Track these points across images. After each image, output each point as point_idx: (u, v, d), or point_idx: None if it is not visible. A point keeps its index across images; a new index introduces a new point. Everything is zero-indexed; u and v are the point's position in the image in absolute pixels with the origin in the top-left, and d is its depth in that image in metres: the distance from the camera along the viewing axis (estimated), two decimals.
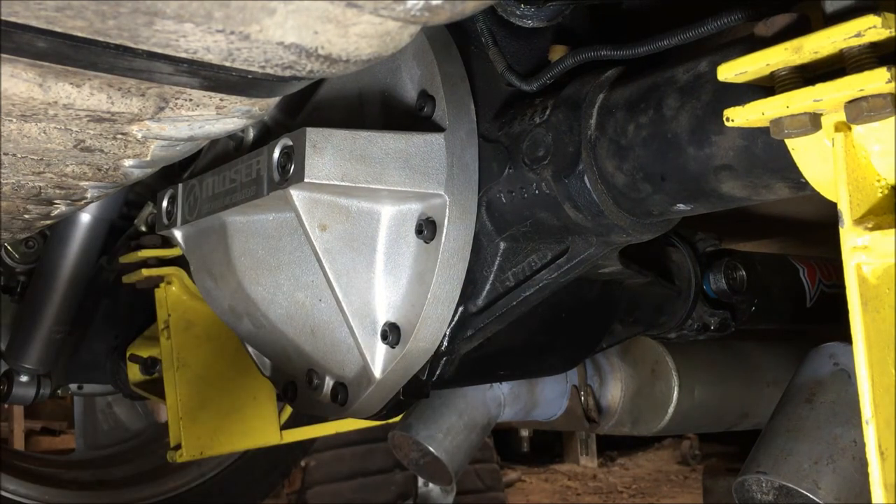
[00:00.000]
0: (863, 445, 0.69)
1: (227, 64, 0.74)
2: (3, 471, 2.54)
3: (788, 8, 0.80)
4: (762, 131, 0.81)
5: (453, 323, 1.15)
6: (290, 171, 1.05)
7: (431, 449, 1.61)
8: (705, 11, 0.93)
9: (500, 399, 1.67)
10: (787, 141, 0.80)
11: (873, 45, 0.69)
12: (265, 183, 1.10)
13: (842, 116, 0.72)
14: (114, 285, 2.24)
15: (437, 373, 1.20)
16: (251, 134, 1.37)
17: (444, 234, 1.08)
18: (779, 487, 1.16)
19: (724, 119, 0.80)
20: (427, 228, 1.09)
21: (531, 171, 1.07)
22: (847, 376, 1.22)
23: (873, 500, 0.69)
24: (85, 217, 2.08)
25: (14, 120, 0.88)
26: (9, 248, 2.33)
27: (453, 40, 1.15)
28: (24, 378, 2.32)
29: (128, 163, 1.05)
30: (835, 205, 0.74)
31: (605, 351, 1.62)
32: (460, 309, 1.15)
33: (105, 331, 2.40)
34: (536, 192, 1.07)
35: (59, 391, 2.47)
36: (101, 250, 2.18)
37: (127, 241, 2.09)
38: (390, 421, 1.38)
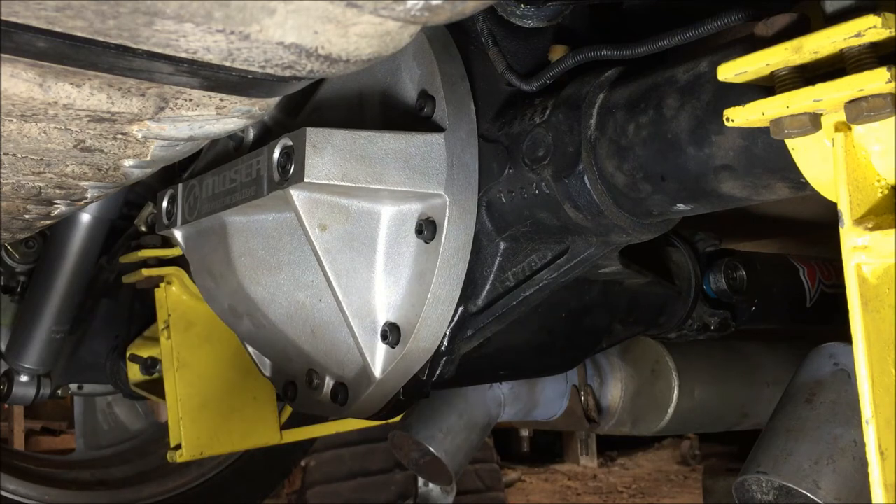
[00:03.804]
0: (863, 445, 0.69)
1: (228, 64, 0.74)
2: (3, 471, 2.54)
3: (788, 8, 0.80)
4: (762, 131, 0.81)
5: (453, 323, 1.15)
6: (290, 171, 1.05)
7: (431, 449, 1.61)
8: (705, 11, 0.93)
9: (501, 399, 1.67)
10: (787, 141, 0.80)
11: (873, 45, 0.69)
12: (265, 183, 1.10)
13: (842, 116, 0.72)
14: (114, 285, 2.24)
15: (438, 373, 1.20)
16: (251, 134, 1.37)
17: (444, 234, 1.08)
18: (779, 487, 1.16)
19: (724, 119, 0.80)
20: (427, 228, 1.10)
21: (531, 171, 1.07)
22: (847, 376, 1.22)
23: (873, 500, 0.69)
24: (85, 217, 2.08)
25: (14, 120, 0.88)
26: (9, 247, 2.33)
27: (453, 40, 1.15)
28: (24, 378, 2.32)
29: (128, 163, 1.06)
30: (835, 205, 0.74)
31: (605, 351, 1.62)
32: (460, 309, 1.15)
33: (105, 331, 2.40)
34: (536, 192, 1.07)
35: (60, 391, 2.47)
36: (101, 250, 2.18)
37: (127, 241, 2.09)
38: (390, 421, 1.38)
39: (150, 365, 2.23)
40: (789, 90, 0.74)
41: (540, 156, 1.06)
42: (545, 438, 6.41)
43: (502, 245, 1.16)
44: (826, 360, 1.26)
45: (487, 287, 1.17)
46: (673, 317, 1.52)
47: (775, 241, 2.21)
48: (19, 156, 1.00)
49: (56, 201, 1.23)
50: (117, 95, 0.83)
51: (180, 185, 1.36)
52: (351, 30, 0.68)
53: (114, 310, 2.38)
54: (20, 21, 0.65)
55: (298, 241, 1.21)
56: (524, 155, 1.08)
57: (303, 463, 3.79)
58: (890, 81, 0.66)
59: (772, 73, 0.76)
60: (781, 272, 1.71)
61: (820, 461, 1.14)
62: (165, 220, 1.38)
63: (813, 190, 0.84)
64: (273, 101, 0.91)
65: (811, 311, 1.73)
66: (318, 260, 1.12)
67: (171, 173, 1.55)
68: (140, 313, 2.33)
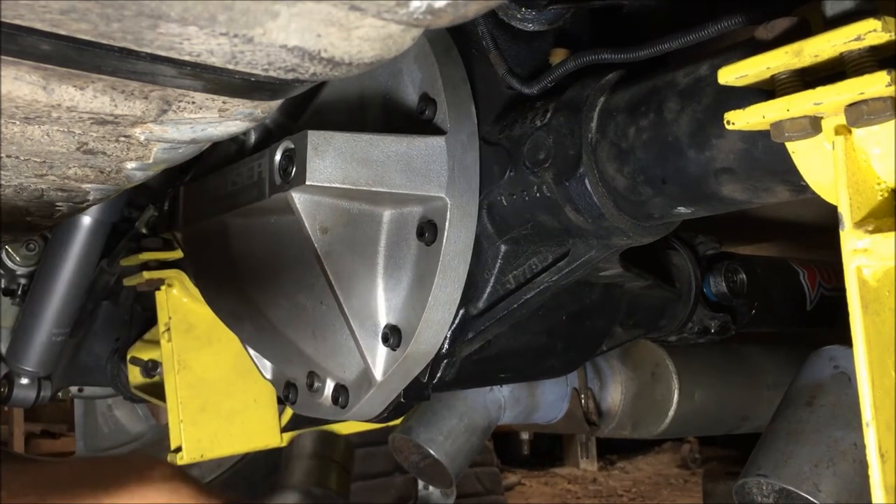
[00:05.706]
0: (863, 448, 0.70)
1: (231, 67, 0.75)
2: None
3: (789, 11, 0.80)
4: (762, 134, 0.82)
5: (454, 325, 1.16)
6: (291, 174, 1.05)
7: (432, 451, 1.61)
8: (706, 15, 0.93)
9: (501, 402, 1.68)
10: (787, 144, 0.80)
11: (873, 49, 0.69)
12: (266, 185, 1.10)
13: (842, 120, 0.72)
14: (115, 288, 2.24)
15: (438, 375, 1.20)
16: (253, 136, 1.37)
17: (444, 237, 1.08)
18: (779, 490, 1.16)
19: (725, 122, 0.80)
20: (428, 231, 1.10)
21: (532, 173, 1.07)
22: (847, 379, 1.22)
23: (873, 503, 0.69)
24: (86, 220, 2.08)
25: (17, 122, 0.88)
26: (10, 250, 2.33)
27: (454, 43, 1.15)
28: (24, 381, 2.32)
29: (130, 165, 1.06)
30: (835, 208, 0.74)
31: (605, 354, 1.63)
32: (461, 311, 1.15)
33: (106, 333, 2.40)
34: (537, 194, 1.07)
35: (60, 394, 2.47)
36: (101, 253, 2.18)
37: (128, 244, 2.09)
38: (391, 424, 1.38)
39: (151, 367, 2.23)
40: (790, 93, 0.74)
41: (541, 159, 1.06)
42: (545, 442, 6.41)
43: (503, 248, 1.16)
44: (826, 362, 1.26)
45: (488, 290, 1.17)
46: (673, 320, 1.53)
47: (775, 244, 2.21)
48: (22, 158, 1.00)
49: (58, 203, 1.23)
50: (120, 98, 0.84)
51: (182, 188, 1.36)
52: (354, 33, 0.69)
53: (114, 312, 2.38)
54: (24, 24, 0.65)
55: (299, 244, 1.21)
56: (525, 158, 1.08)
57: None
58: (890, 85, 0.67)
59: (772, 77, 0.76)
60: (781, 275, 1.71)
61: (820, 464, 1.14)
62: (167, 223, 1.39)
63: (813, 193, 0.84)
64: (275, 104, 0.92)
65: (811, 314, 1.73)
66: (320, 262, 1.12)
67: (173, 175, 1.55)
68: (141, 316, 2.33)
